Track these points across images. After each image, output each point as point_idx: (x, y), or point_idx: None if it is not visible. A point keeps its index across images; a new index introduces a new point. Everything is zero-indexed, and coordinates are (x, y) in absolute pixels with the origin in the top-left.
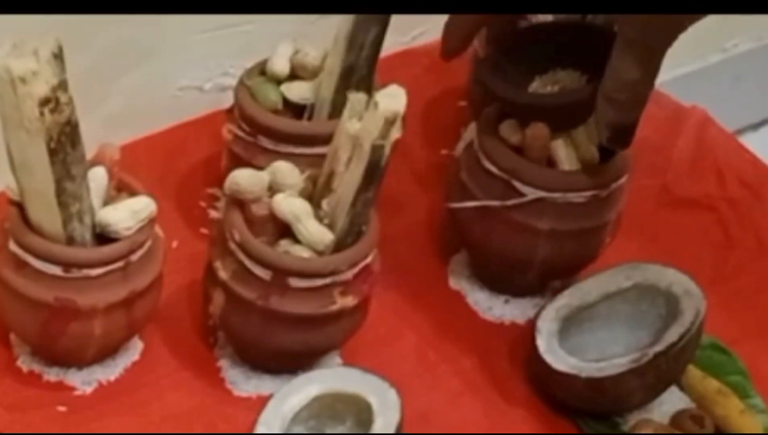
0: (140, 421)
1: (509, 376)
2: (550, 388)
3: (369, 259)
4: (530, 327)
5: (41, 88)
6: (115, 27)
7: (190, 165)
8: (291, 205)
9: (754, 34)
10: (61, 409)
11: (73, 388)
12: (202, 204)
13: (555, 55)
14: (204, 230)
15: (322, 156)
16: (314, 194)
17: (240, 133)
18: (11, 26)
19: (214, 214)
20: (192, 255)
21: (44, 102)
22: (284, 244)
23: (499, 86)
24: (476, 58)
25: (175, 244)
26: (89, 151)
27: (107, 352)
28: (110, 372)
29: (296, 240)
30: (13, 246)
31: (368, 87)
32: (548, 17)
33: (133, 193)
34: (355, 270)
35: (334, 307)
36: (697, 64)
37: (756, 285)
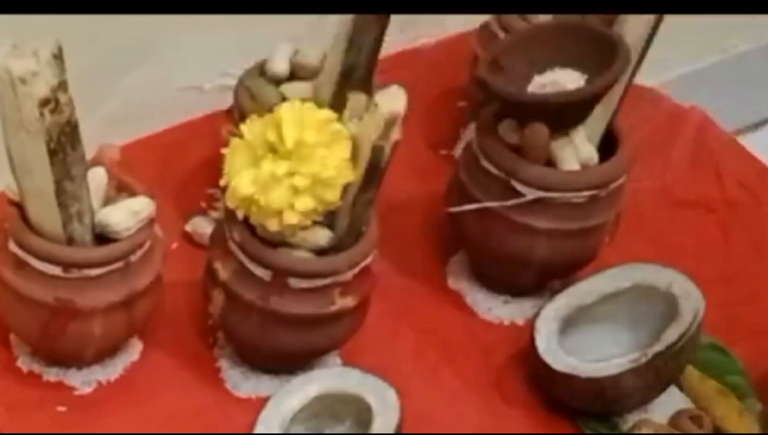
0: (140, 421)
1: (509, 376)
2: (549, 388)
3: (369, 260)
4: (529, 327)
5: (41, 88)
6: (115, 27)
7: (190, 165)
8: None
9: (753, 35)
10: (61, 409)
11: (73, 388)
12: (202, 204)
13: (555, 55)
14: None
15: None
16: None
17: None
18: (11, 26)
19: (214, 214)
20: (192, 255)
21: (44, 103)
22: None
23: (498, 86)
24: (476, 58)
25: (175, 244)
26: (89, 151)
27: (107, 352)
28: (110, 372)
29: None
30: (13, 246)
31: (368, 87)
32: (548, 17)
33: (132, 193)
34: (355, 270)
35: (334, 308)
36: (696, 64)
37: (754, 285)
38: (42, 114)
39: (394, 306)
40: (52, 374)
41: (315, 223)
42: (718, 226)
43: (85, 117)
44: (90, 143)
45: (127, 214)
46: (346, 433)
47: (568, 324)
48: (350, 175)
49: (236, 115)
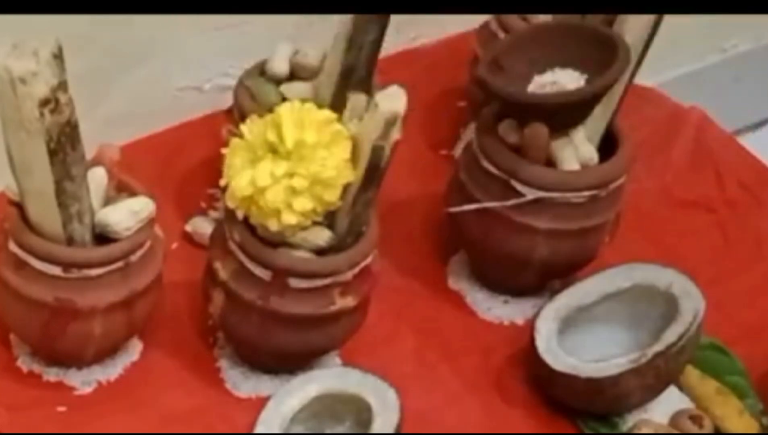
0: (140, 421)
1: (509, 376)
2: (549, 388)
3: (369, 260)
4: (529, 327)
5: (41, 88)
6: (115, 27)
7: (190, 165)
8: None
9: (753, 35)
10: (61, 409)
11: (73, 388)
12: (203, 204)
13: (555, 55)
14: None
15: None
16: None
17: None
18: (11, 26)
19: (214, 214)
20: (192, 255)
21: (44, 103)
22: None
23: (498, 86)
24: (476, 58)
25: (175, 244)
26: (89, 151)
27: (107, 352)
28: (110, 372)
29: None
30: (13, 246)
31: (368, 87)
32: (548, 17)
33: (132, 193)
34: (355, 270)
35: (334, 308)
36: (696, 64)
37: (754, 285)
38: (42, 114)
39: (394, 306)
40: (52, 374)
41: (315, 223)
42: (718, 226)
43: (85, 117)
44: (90, 143)
45: (127, 214)
46: (346, 433)
47: (568, 324)
48: (350, 175)
49: (236, 115)
